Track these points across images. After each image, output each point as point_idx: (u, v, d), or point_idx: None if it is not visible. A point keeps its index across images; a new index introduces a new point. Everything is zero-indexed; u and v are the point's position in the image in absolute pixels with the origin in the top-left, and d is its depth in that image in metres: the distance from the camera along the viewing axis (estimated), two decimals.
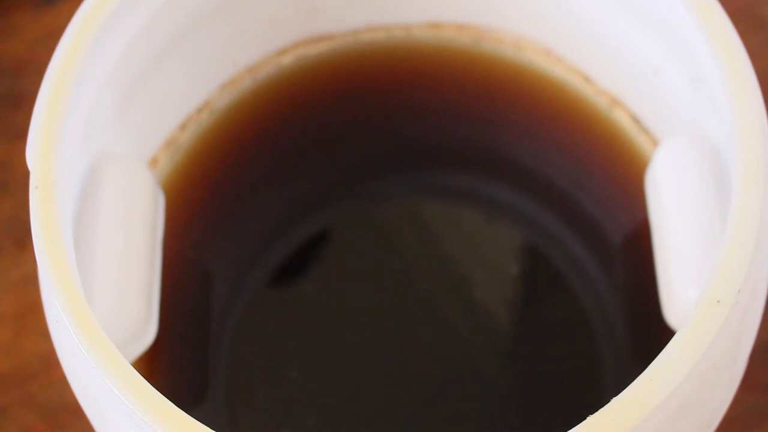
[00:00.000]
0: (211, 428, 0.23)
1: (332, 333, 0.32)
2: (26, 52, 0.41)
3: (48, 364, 0.36)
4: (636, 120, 0.33)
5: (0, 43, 0.41)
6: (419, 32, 0.35)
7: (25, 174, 0.26)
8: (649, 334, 0.31)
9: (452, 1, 0.34)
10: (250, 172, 0.34)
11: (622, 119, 0.33)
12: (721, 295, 0.24)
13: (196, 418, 0.23)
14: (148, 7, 0.29)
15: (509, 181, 0.34)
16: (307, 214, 0.34)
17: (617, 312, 0.32)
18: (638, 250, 0.32)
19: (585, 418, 0.23)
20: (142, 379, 0.24)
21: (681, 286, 0.28)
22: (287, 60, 0.34)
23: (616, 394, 0.23)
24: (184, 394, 0.32)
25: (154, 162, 0.33)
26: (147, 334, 0.29)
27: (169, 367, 0.31)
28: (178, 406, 0.23)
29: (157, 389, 0.23)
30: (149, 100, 0.32)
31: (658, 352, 0.23)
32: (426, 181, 0.35)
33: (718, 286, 0.24)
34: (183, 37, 0.32)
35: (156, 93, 0.32)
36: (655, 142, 0.33)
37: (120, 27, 0.29)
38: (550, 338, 0.32)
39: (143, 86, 0.31)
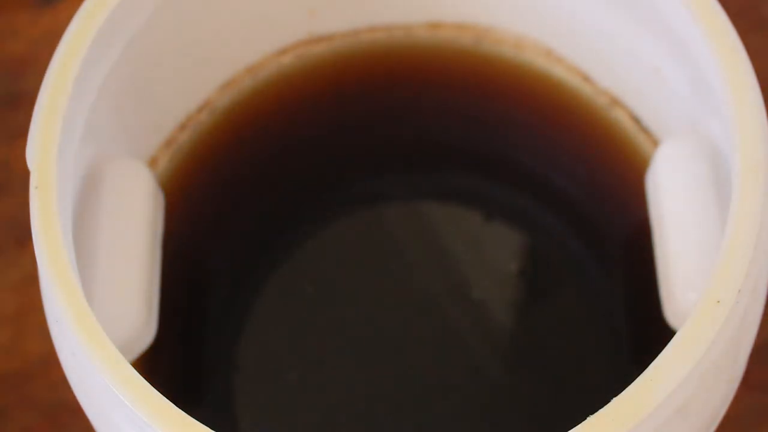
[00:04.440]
0: (211, 428, 0.23)
1: (332, 333, 0.32)
2: (26, 52, 0.41)
3: (48, 364, 0.36)
4: (636, 120, 0.33)
5: (0, 43, 0.41)
6: (419, 32, 0.35)
7: (25, 174, 0.26)
8: (649, 334, 0.31)
9: (452, 1, 0.34)
10: (250, 172, 0.34)
11: (622, 119, 0.33)
12: (721, 295, 0.24)
13: (196, 418, 0.23)
14: (147, 7, 0.29)
15: (509, 181, 0.34)
16: (306, 213, 0.34)
17: (617, 312, 0.32)
18: (638, 250, 0.32)
19: (585, 418, 0.23)
20: (142, 379, 0.24)
21: (681, 286, 0.28)
22: (287, 60, 0.34)
23: (616, 394, 0.23)
24: (184, 394, 0.32)
25: (154, 162, 0.33)
26: (147, 334, 0.29)
27: (169, 367, 0.31)
28: (178, 406, 0.23)
29: (157, 389, 0.23)
30: (149, 100, 0.32)
31: (658, 352, 0.23)
32: (426, 181, 0.35)
33: (718, 286, 0.24)
34: (183, 37, 0.32)
35: (156, 93, 0.32)
36: (655, 142, 0.33)
37: (120, 27, 0.29)
38: (550, 338, 0.32)
39: (143, 86, 0.31)
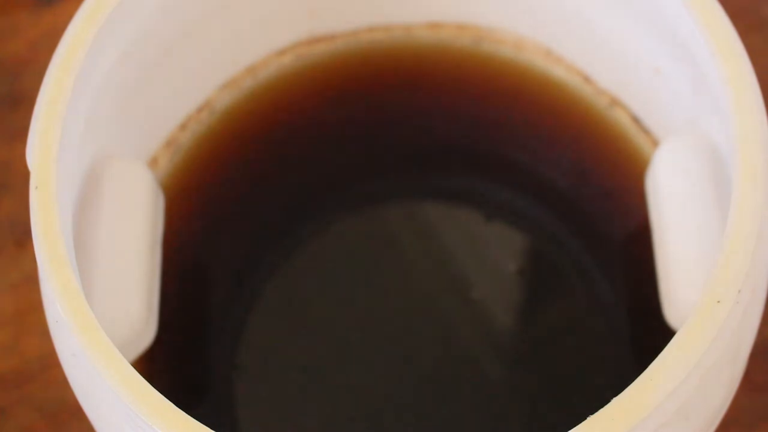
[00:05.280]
0: (211, 428, 0.23)
1: (332, 333, 0.32)
2: (26, 52, 0.41)
3: (48, 364, 0.36)
4: (636, 120, 0.33)
5: (0, 43, 0.41)
6: (419, 32, 0.35)
7: (25, 174, 0.26)
8: (649, 334, 0.31)
9: (452, 1, 0.34)
10: (249, 172, 0.34)
11: (622, 119, 0.33)
12: (721, 295, 0.24)
13: (196, 418, 0.23)
14: (148, 7, 0.29)
15: (509, 181, 0.34)
16: (306, 213, 0.34)
17: (617, 312, 0.32)
18: (638, 250, 0.32)
19: (585, 418, 0.23)
20: (142, 379, 0.24)
21: (681, 286, 0.28)
22: (287, 60, 0.34)
23: (616, 394, 0.23)
24: (184, 394, 0.32)
25: (154, 162, 0.33)
26: (147, 334, 0.29)
27: (169, 367, 0.31)
28: (178, 406, 0.23)
29: (157, 389, 0.23)
30: (149, 99, 0.32)
31: (658, 352, 0.23)
32: (426, 181, 0.35)
33: (718, 286, 0.24)
34: (183, 37, 0.32)
35: (156, 93, 0.32)
36: (655, 142, 0.33)
37: (120, 27, 0.29)
38: (550, 338, 0.32)
39: (143, 86, 0.31)
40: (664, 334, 0.28)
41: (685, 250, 0.28)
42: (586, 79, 0.34)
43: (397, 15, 0.34)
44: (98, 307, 0.28)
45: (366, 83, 0.35)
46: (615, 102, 0.33)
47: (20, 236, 0.38)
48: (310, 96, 0.35)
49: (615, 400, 0.23)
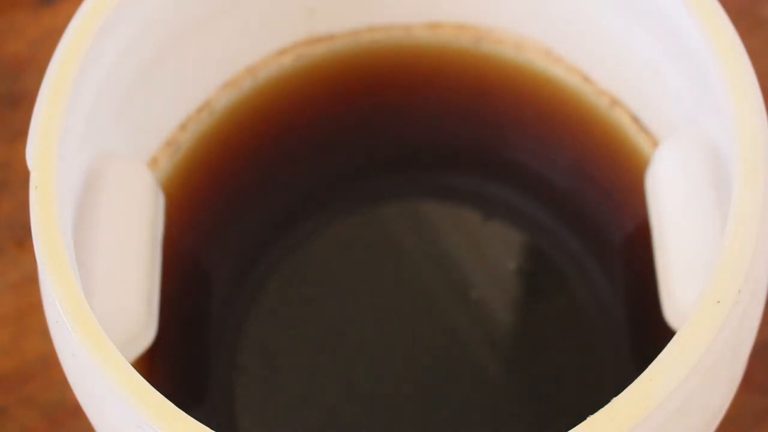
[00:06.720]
0: (211, 428, 0.23)
1: (332, 332, 0.32)
2: (26, 52, 0.41)
3: (48, 364, 0.36)
4: (636, 120, 0.33)
5: (0, 43, 0.41)
6: (419, 32, 0.35)
7: (25, 174, 0.26)
8: (649, 334, 0.31)
9: (452, 1, 0.34)
10: (249, 172, 0.34)
11: (622, 119, 0.33)
12: (721, 295, 0.24)
13: (196, 418, 0.23)
14: (147, 7, 0.29)
15: (509, 181, 0.34)
16: (306, 213, 0.34)
17: (617, 312, 0.32)
18: (638, 250, 0.32)
19: (585, 418, 0.23)
20: (142, 379, 0.24)
21: (681, 286, 0.28)
22: (287, 60, 0.34)
23: (616, 394, 0.23)
24: (184, 394, 0.32)
25: (154, 162, 0.33)
26: (147, 334, 0.29)
27: (169, 367, 0.31)
28: (178, 406, 0.23)
29: (157, 389, 0.23)
30: (149, 100, 0.32)
31: (658, 352, 0.23)
32: (426, 181, 0.35)
33: (718, 286, 0.24)
34: (183, 37, 0.32)
35: (156, 93, 0.32)
36: (655, 142, 0.33)
37: (120, 27, 0.29)
38: (550, 338, 0.32)
39: (143, 86, 0.31)
40: (664, 334, 0.28)
41: (685, 250, 0.28)
42: (586, 79, 0.34)
43: (397, 15, 0.34)
44: (98, 307, 0.28)
45: (366, 83, 0.35)
46: (615, 102, 0.33)
47: (20, 236, 0.38)
48: (310, 96, 0.35)
49: (615, 400, 0.23)
